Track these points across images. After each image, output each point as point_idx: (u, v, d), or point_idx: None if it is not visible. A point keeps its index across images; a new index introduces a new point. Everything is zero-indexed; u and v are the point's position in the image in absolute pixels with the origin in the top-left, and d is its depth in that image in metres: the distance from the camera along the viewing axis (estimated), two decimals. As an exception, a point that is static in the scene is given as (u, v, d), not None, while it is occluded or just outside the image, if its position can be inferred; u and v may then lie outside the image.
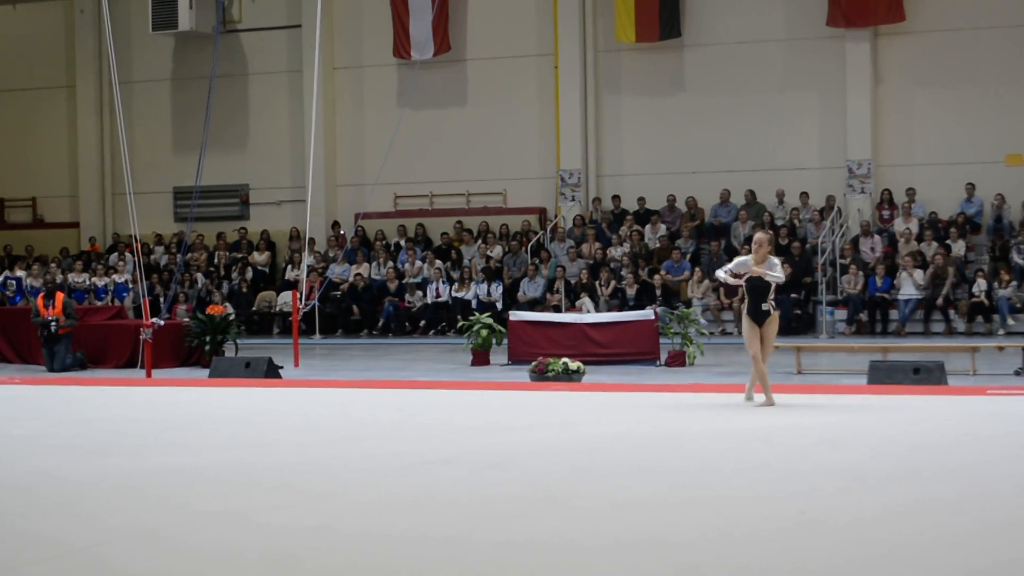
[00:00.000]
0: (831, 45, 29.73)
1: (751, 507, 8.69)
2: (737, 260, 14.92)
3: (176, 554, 7.58)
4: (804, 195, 29.55)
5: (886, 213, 29.39)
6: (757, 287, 14.53)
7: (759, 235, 14.83)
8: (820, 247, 27.98)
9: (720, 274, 14.96)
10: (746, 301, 14.72)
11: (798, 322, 27.25)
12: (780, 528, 8.02)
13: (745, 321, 14.69)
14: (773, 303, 14.61)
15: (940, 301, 26.67)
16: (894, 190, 29.32)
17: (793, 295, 27.37)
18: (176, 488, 9.83)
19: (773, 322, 14.62)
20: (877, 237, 28.61)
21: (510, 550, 7.58)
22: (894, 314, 26.99)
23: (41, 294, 22.96)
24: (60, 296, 22.70)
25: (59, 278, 29.10)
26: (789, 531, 7.93)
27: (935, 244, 27.76)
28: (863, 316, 26.97)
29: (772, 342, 14.79)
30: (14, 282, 28.87)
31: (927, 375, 16.83)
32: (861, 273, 27.32)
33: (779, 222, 29.34)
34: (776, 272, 14.59)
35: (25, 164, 35.88)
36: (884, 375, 17.04)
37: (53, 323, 22.17)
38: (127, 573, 7.15)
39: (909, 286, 26.79)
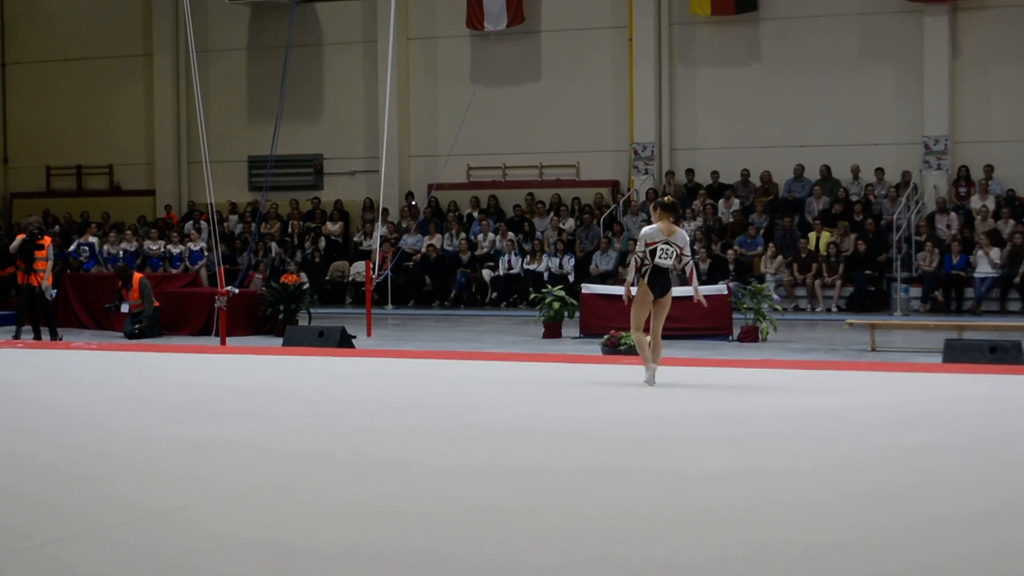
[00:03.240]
0: (908, 19, 29.45)
1: (822, 483, 8.66)
2: (644, 231, 14.64)
3: (253, 519, 7.66)
4: (879, 171, 29.33)
5: (963, 190, 29.12)
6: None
7: (660, 210, 14.42)
8: (895, 224, 27.77)
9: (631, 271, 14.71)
10: (648, 271, 14.42)
11: (872, 299, 27.10)
12: (852, 506, 8.00)
13: (641, 289, 14.39)
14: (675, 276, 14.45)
15: (1017, 279, 26.42)
16: (971, 167, 29.03)
17: (867, 272, 27.21)
18: (251, 455, 9.92)
19: (671, 294, 14.49)
20: (953, 214, 28.36)
21: (581, 522, 7.60)
22: (970, 292, 26.78)
23: (120, 282, 23.09)
24: (137, 280, 22.87)
25: (134, 245, 29.37)
26: (860, 509, 7.90)
27: (1012, 222, 27.50)
28: (938, 294, 26.77)
29: (665, 315, 14.51)
30: (87, 248, 29.15)
31: (1003, 354, 16.69)
32: (937, 250, 27.11)
33: (854, 198, 29.15)
34: (687, 250, 14.38)
35: (103, 132, 36.18)
36: (960, 354, 16.92)
37: (127, 306, 22.54)
38: (205, 537, 7.23)
39: (985, 264, 26.56)
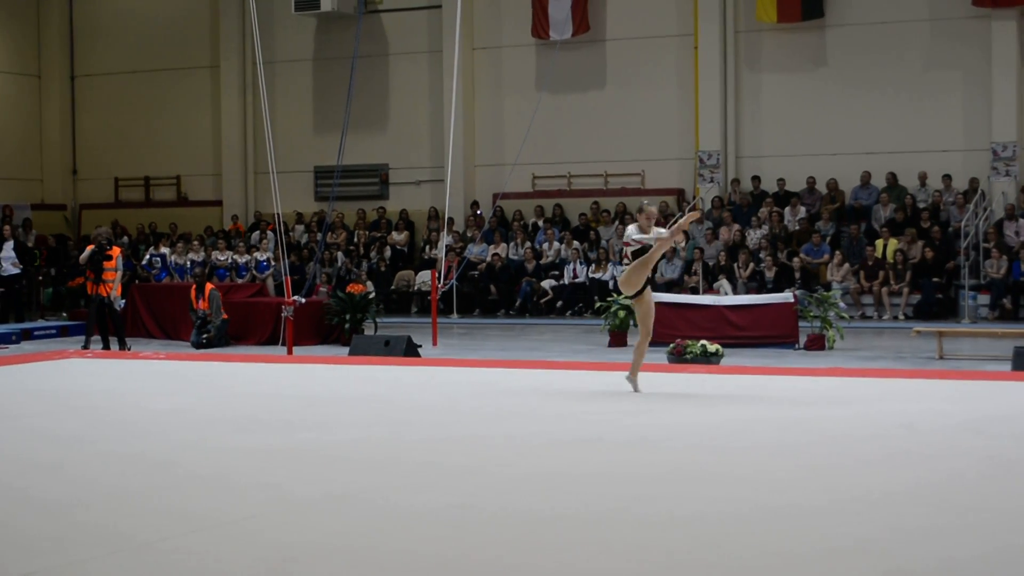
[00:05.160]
0: (976, 25, 29.21)
1: (896, 497, 8.62)
2: (631, 229, 14.77)
3: (320, 530, 7.71)
4: (947, 178, 29.12)
5: (1032, 196, 28.87)
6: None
7: (651, 209, 14.66)
8: (963, 231, 27.57)
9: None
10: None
11: (940, 307, 26.89)
12: (926, 519, 7.96)
13: (649, 295, 14.62)
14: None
15: (1087, 286, 26.18)
16: (1040, 173, 28.81)
17: (935, 279, 27.02)
18: (319, 465, 9.98)
19: (647, 292, 14.47)
20: (1022, 220, 28.11)
21: (651, 530, 7.60)
22: (1039, 299, 26.54)
23: (193, 286, 23.35)
24: (207, 290, 23.07)
25: (201, 255, 29.57)
26: (935, 522, 7.86)
27: (1082, 228, 27.25)
28: (1007, 301, 26.54)
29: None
30: (159, 259, 29.41)
31: (1074, 362, 16.53)
32: (1005, 258, 26.89)
33: (921, 205, 28.96)
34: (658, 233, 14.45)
35: (170, 143, 36.45)
36: (1029, 361, 16.77)
37: (204, 315, 22.78)
38: (275, 546, 7.28)
39: (1055, 271, 26.32)
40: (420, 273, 31.25)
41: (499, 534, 7.57)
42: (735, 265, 27.94)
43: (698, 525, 7.73)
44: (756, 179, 30.79)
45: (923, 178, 29.35)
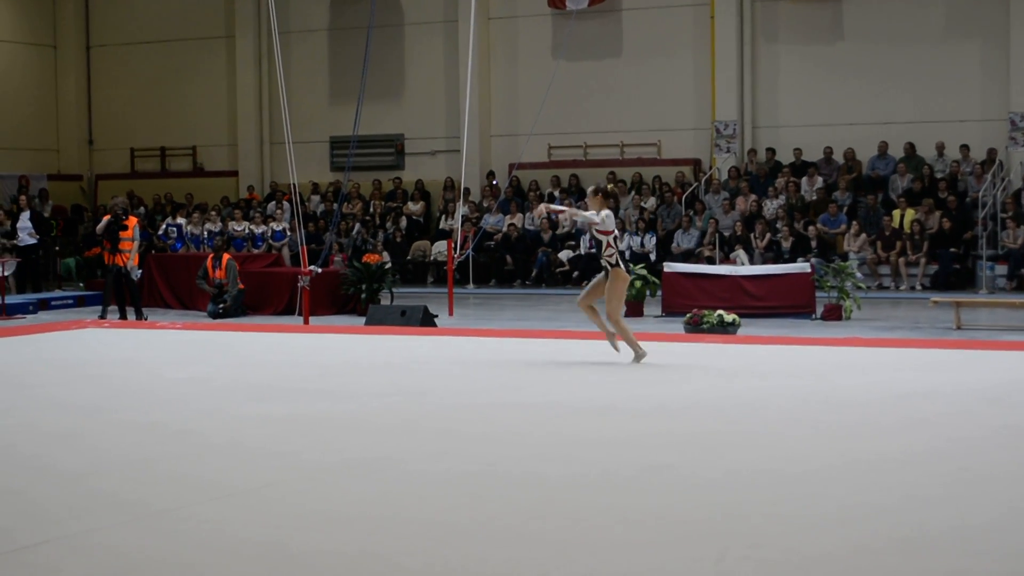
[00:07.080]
0: (995, -5, 29.10)
1: (912, 465, 8.61)
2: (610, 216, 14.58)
3: (336, 498, 7.71)
4: (965, 148, 28.99)
5: (1050, 166, 28.76)
6: (595, 241, 14.52)
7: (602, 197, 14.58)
8: (980, 201, 27.46)
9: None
10: (619, 257, 14.43)
11: (957, 277, 26.81)
12: (942, 486, 7.95)
13: (623, 278, 14.35)
14: (610, 260, 14.28)
15: (1105, 257, 26.07)
16: (1058, 143, 28.68)
17: (952, 250, 26.94)
18: (336, 433, 9.99)
19: (614, 279, 14.25)
20: (1040, 191, 28.02)
21: (668, 497, 7.60)
22: (1056, 269, 26.44)
23: (211, 256, 23.36)
24: (224, 260, 23.07)
25: (218, 226, 29.57)
26: (951, 489, 7.85)
27: (1100, 198, 27.13)
28: (1024, 271, 26.48)
29: (610, 298, 14.24)
30: (175, 229, 29.44)
31: (1091, 332, 16.49)
32: (1022, 228, 26.79)
33: (938, 175, 28.85)
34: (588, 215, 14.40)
35: (186, 114, 36.44)
36: (1047, 331, 16.73)
37: (220, 284, 22.78)
38: (291, 515, 7.29)
39: (1073, 241, 26.21)
40: (436, 243, 31.25)
41: (517, 502, 7.56)
42: (752, 235, 27.88)
43: (714, 492, 7.73)
44: (772, 150, 30.68)
45: (940, 148, 29.24)
